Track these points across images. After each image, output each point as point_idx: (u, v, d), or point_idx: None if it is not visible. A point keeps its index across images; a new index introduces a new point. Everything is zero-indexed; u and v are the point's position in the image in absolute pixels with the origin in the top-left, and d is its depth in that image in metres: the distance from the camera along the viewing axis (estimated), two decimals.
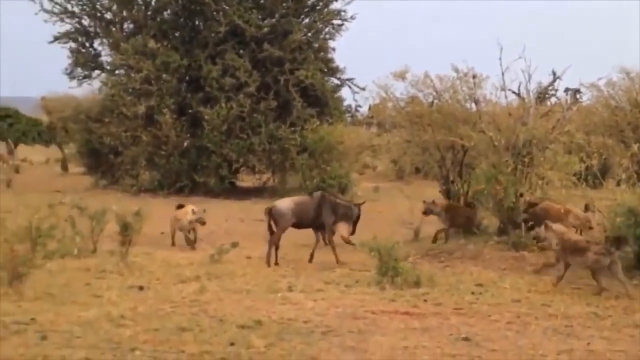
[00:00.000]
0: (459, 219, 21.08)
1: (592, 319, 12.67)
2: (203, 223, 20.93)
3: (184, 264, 17.28)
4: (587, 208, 19.86)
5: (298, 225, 18.98)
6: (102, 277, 15.74)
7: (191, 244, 20.72)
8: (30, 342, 10.50)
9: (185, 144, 36.91)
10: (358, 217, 19.29)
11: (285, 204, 19.01)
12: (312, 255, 18.66)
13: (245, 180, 40.97)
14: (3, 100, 71.83)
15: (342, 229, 19.28)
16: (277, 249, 18.44)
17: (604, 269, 14.89)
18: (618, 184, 20.27)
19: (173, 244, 21.09)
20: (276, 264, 18.11)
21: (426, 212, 21.31)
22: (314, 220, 18.94)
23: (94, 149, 41.16)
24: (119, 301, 13.25)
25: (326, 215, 18.84)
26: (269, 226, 18.70)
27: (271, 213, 18.72)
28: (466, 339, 11.20)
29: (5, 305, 12.57)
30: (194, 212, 20.86)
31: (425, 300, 13.93)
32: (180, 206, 21.97)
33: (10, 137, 60.79)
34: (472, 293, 14.61)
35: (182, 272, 16.38)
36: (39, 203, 14.66)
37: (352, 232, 19.26)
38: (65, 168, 54.88)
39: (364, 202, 20.09)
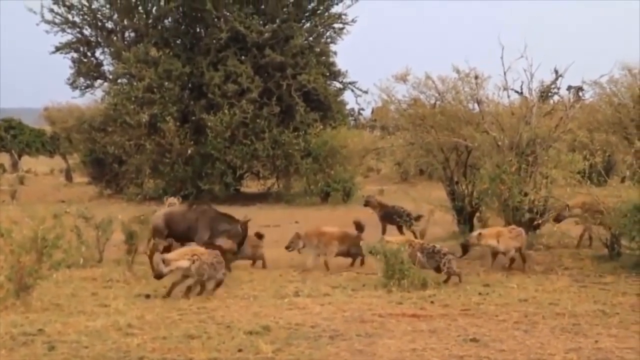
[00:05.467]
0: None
1: (599, 317, 12.66)
2: None
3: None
4: None
5: (171, 236, 17.99)
6: (108, 287, 15.74)
7: None
8: (39, 353, 10.50)
9: (189, 151, 36.99)
10: (244, 238, 18.12)
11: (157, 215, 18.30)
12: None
13: (250, 186, 41.07)
14: (6, 111, 72.00)
15: (225, 244, 17.75)
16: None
17: None
18: (622, 181, 20.31)
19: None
20: None
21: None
22: (187, 233, 17.93)
23: (98, 159, 41.30)
24: (126, 310, 13.25)
25: (201, 229, 17.84)
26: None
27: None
28: (474, 339, 11.19)
29: (13, 317, 12.58)
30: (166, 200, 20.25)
31: (432, 302, 13.93)
32: None
33: (14, 149, 60.91)
34: (479, 294, 14.61)
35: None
36: (44, 214, 14.62)
37: (236, 253, 18.01)
38: (69, 178, 54.97)
39: (248, 220, 18.51)
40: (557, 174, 19.18)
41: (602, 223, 18.83)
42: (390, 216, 22.55)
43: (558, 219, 19.63)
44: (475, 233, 18.39)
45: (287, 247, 18.59)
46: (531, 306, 13.50)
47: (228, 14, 37.32)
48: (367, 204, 23.93)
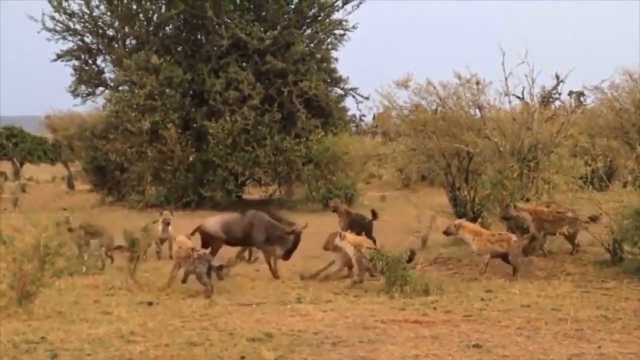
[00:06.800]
0: None
1: (602, 322, 12.65)
2: (167, 224, 21.18)
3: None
4: None
5: (227, 243, 18.81)
6: (111, 294, 15.74)
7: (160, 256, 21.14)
8: None
9: (191, 158, 36.93)
10: (295, 245, 18.62)
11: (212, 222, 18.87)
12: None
13: (252, 193, 41.00)
14: (8, 119, 72.00)
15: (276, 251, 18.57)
16: None
17: None
18: (624, 186, 20.27)
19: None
20: None
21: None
22: (243, 239, 18.92)
23: (100, 166, 41.19)
24: (129, 317, 13.25)
25: (257, 235, 18.51)
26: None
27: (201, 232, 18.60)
28: (477, 345, 11.18)
29: (16, 325, 12.57)
30: (161, 214, 21.11)
31: (434, 308, 13.92)
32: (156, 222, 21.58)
33: (16, 157, 60.91)
34: (482, 299, 14.60)
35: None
36: (46, 221, 14.63)
37: (285, 258, 18.61)
38: (71, 186, 54.92)
39: (305, 226, 19.04)
40: (559, 179, 19.19)
41: (551, 233, 18.89)
42: (354, 223, 22.32)
43: (504, 217, 19.55)
44: (456, 221, 18.42)
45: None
46: (534, 312, 13.50)
47: (229, 20, 37.28)
48: (335, 209, 23.73)
